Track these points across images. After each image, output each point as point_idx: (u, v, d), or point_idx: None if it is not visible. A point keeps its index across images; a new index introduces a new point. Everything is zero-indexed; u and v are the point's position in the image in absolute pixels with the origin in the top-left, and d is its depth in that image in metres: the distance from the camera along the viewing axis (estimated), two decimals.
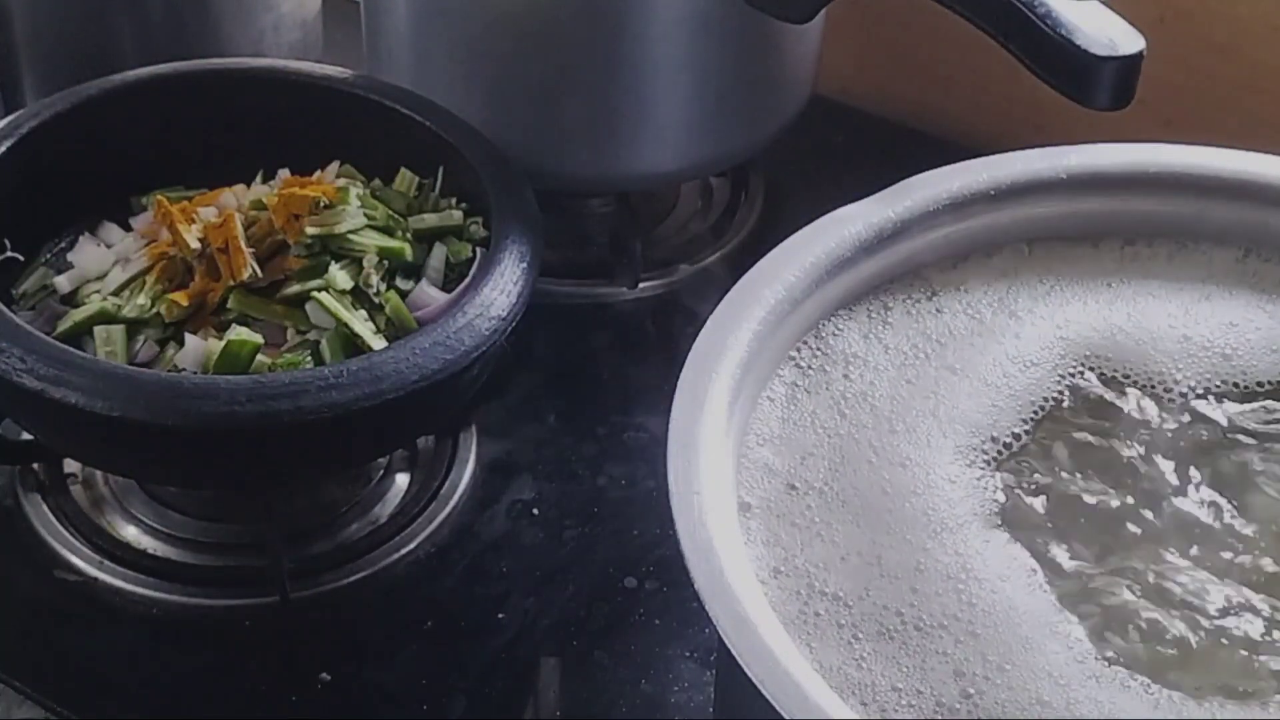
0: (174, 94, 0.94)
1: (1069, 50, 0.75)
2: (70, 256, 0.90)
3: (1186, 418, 0.70)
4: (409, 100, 0.93)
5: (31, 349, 0.78)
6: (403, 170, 0.93)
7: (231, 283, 0.84)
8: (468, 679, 0.82)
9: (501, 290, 0.83)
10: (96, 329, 0.84)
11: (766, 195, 1.12)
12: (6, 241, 0.89)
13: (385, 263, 0.87)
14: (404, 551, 0.87)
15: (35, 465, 0.90)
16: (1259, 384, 0.71)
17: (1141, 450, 0.68)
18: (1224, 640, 0.61)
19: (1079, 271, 0.76)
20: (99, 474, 0.90)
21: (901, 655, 0.60)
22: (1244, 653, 0.61)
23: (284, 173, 0.92)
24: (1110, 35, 0.75)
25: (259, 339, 0.82)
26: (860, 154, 1.15)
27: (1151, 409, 0.70)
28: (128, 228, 0.91)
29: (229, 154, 0.93)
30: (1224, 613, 0.62)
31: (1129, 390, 0.71)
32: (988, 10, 0.78)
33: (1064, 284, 0.75)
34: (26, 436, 0.89)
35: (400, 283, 0.87)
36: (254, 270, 0.85)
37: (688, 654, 0.83)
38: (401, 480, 0.91)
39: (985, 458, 0.67)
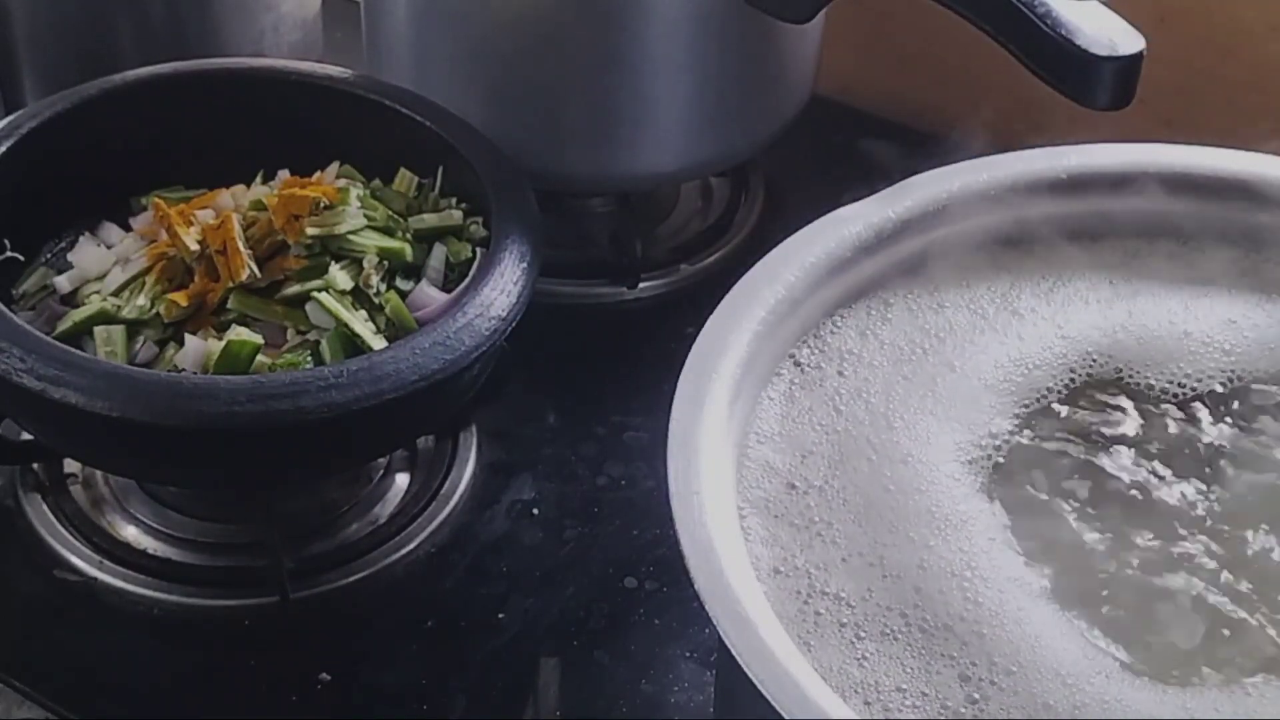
0: (174, 94, 0.94)
1: (1069, 50, 0.75)
2: (70, 256, 0.90)
3: (1188, 415, 0.70)
4: (409, 100, 0.93)
5: (31, 349, 0.78)
6: (402, 170, 0.93)
7: (231, 284, 0.84)
8: (468, 679, 0.82)
9: (501, 290, 0.83)
10: (96, 329, 0.83)
11: (766, 195, 1.12)
12: (6, 241, 0.89)
13: (385, 263, 0.87)
14: (404, 551, 0.87)
15: (35, 465, 0.90)
16: (1258, 381, 0.71)
17: (1144, 447, 0.68)
18: (1231, 633, 0.61)
19: (1080, 270, 0.76)
20: (99, 474, 0.90)
21: (907, 656, 0.60)
22: (1250, 645, 0.61)
23: (284, 173, 0.92)
24: (1110, 35, 0.75)
25: (259, 339, 0.82)
26: (860, 154, 1.15)
27: (1153, 406, 0.70)
28: (128, 228, 0.91)
29: (229, 154, 0.93)
30: (1229, 607, 0.62)
31: (1130, 387, 0.71)
32: (988, 10, 0.78)
33: (1065, 282, 0.75)
34: (26, 436, 0.89)
35: (400, 283, 0.87)
36: (252, 271, 0.85)
37: (688, 654, 0.83)
38: (401, 480, 0.91)
39: (985, 454, 0.67)
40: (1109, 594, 0.63)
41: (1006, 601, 0.61)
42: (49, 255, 0.91)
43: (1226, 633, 0.61)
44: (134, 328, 0.84)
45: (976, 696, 0.59)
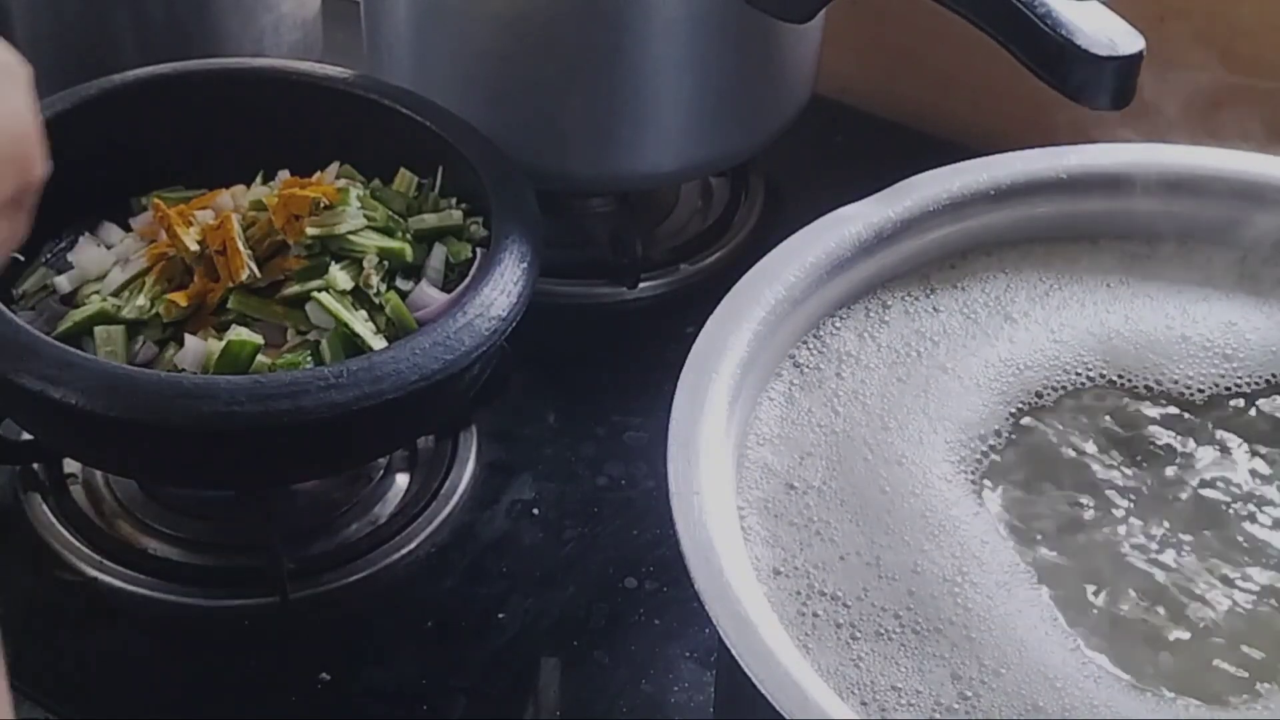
0: (174, 94, 0.94)
1: (1069, 50, 0.75)
2: (70, 256, 0.89)
3: (1183, 419, 0.70)
4: (409, 100, 0.93)
5: (31, 349, 0.78)
6: (402, 170, 0.93)
7: (230, 284, 0.84)
8: (468, 679, 0.82)
9: (501, 290, 0.83)
10: (96, 329, 0.83)
11: (766, 195, 1.12)
12: None
13: (385, 263, 0.87)
14: (404, 551, 0.87)
15: (35, 465, 0.90)
16: (1256, 385, 0.71)
17: (1138, 452, 0.68)
18: (1219, 640, 0.61)
19: (1078, 271, 0.76)
20: (99, 474, 0.90)
21: (900, 656, 0.60)
22: (1240, 651, 0.61)
23: (284, 173, 0.92)
24: (1110, 35, 0.75)
25: (259, 339, 0.82)
26: (860, 154, 1.15)
27: (1148, 410, 0.70)
28: (128, 228, 0.91)
29: (229, 154, 0.93)
30: (1220, 613, 0.62)
31: (1126, 391, 0.71)
32: (988, 10, 0.78)
33: (1062, 284, 0.75)
34: (26, 436, 0.89)
35: (400, 283, 0.87)
36: (252, 271, 0.85)
37: (688, 654, 0.83)
38: (401, 480, 0.91)
39: (977, 456, 0.67)
40: (1099, 599, 0.63)
41: (994, 607, 0.61)
42: (49, 255, 0.91)
43: (1218, 637, 0.61)
44: (134, 328, 0.84)
45: (969, 694, 0.59)
